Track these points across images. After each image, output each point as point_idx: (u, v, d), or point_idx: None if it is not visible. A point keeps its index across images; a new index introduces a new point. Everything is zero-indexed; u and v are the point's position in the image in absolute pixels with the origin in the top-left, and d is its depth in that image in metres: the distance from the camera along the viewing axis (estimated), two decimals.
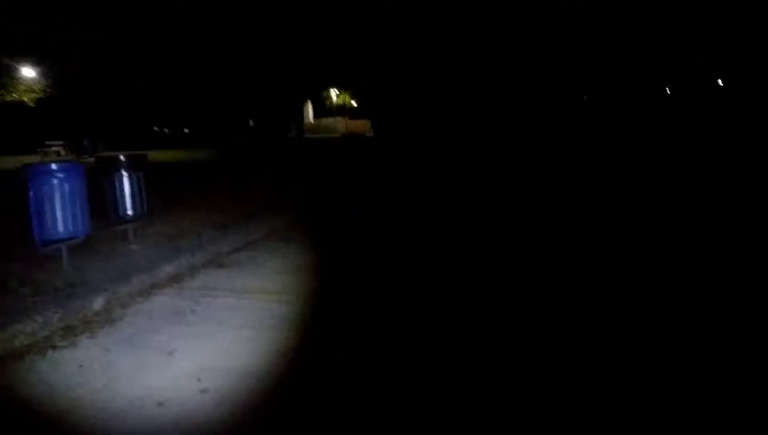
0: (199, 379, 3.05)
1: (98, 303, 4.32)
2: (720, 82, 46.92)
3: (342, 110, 66.58)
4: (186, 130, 56.34)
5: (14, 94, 27.31)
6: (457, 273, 5.15)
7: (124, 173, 5.89)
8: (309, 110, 65.17)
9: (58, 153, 26.73)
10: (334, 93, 65.01)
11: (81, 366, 3.29)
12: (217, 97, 42.48)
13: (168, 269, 5.20)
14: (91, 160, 23.84)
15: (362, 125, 60.19)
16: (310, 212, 8.90)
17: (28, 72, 27.00)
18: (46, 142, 27.16)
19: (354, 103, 66.08)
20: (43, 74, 27.41)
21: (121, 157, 5.96)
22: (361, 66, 47.25)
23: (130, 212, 5.93)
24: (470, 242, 6.46)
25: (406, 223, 7.85)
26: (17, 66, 26.07)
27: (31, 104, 28.39)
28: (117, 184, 5.85)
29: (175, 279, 5.09)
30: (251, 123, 48.61)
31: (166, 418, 2.69)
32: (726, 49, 41.27)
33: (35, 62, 26.57)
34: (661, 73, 43.97)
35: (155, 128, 54.77)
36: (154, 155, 25.48)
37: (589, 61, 41.58)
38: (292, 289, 4.74)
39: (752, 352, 3.24)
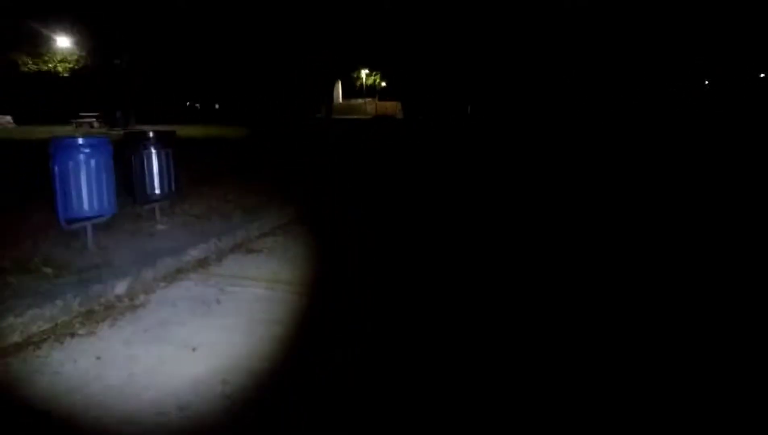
0: (223, 382, 2.80)
1: (121, 287, 4.12)
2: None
3: (372, 91, 65.99)
4: (217, 106, 56.55)
5: (49, 64, 27.52)
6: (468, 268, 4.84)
7: (153, 150, 5.68)
8: (339, 90, 64.72)
9: (91, 124, 27.01)
10: (364, 73, 64.40)
11: (99, 358, 3.08)
12: (248, 74, 42.43)
13: (194, 253, 4.98)
14: (123, 133, 23.97)
15: (392, 106, 59.57)
16: (339, 198, 8.62)
17: (63, 41, 27.13)
18: (80, 114, 27.46)
19: (384, 85, 65.44)
20: (78, 44, 27.51)
21: (150, 133, 5.75)
22: (392, 46, 46.74)
23: (158, 191, 5.72)
24: (483, 238, 6.12)
25: (432, 216, 7.53)
26: (53, 35, 26.22)
27: (65, 74, 28.61)
28: (145, 161, 5.65)
29: (202, 263, 4.87)
30: (282, 102, 48.50)
31: (186, 426, 2.46)
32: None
33: (70, 32, 26.66)
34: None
35: (187, 103, 55.05)
36: (184, 131, 25.55)
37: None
38: (324, 281, 4.48)
39: (751, 350, 3.24)
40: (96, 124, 27.00)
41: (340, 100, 65.26)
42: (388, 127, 31.15)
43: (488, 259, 5.17)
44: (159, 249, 4.93)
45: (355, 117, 53.62)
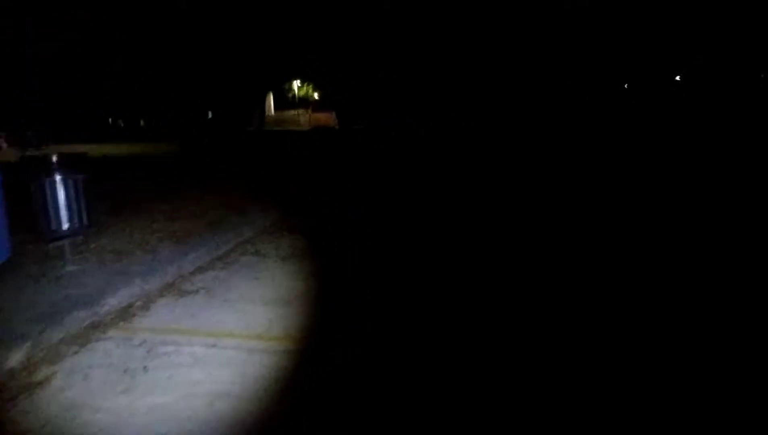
0: None
1: (15, 358, 3.20)
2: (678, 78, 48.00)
3: (304, 102, 64.85)
4: (142, 123, 53.70)
5: None
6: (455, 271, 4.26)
7: (58, 177, 4.71)
8: (270, 102, 63.26)
9: None
10: (296, 84, 63.29)
11: None
12: (174, 88, 40.53)
13: (114, 301, 4.08)
14: (21, 157, 22.19)
15: (326, 118, 58.71)
16: (283, 217, 7.83)
17: None
18: None
19: (316, 96, 64.53)
20: None
21: (54, 158, 4.78)
22: (327, 56, 46.06)
23: (66, 225, 4.75)
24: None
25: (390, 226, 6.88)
26: None
27: None
28: (48, 191, 4.67)
29: (124, 314, 3.98)
30: (210, 115, 46.68)
31: None
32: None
33: None
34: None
35: (110, 120, 51.91)
36: (105, 150, 23.76)
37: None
38: (278, 327, 3.71)
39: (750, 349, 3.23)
40: (5, 145, 24.70)
41: (272, 111, 63.79)
42: (327, 138, 30.35)
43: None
44: (68, 298, 4.01)
45: (289, 128, 52.47)
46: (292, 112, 64.65)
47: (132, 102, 43.90)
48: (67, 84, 34.09)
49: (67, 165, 4.85)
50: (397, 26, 41.32)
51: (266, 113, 56.77)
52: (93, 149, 24.72)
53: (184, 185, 10.15)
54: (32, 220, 4.96)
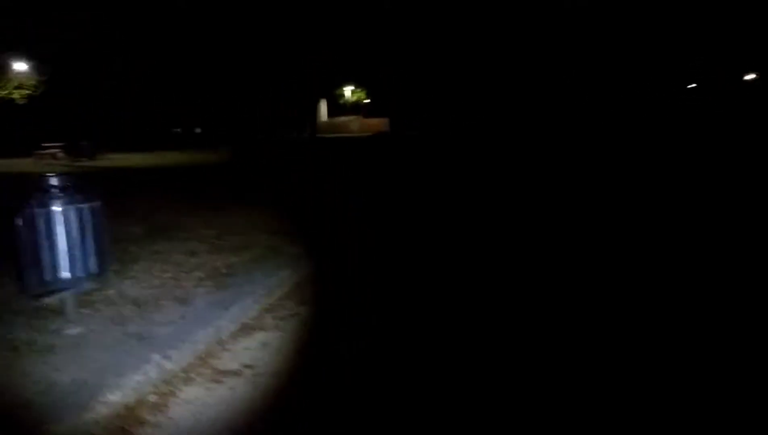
0: None
1: None
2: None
3: (356, 108, 64.05)
4: (197, 130, 54.20)
5: (3, 91, 25.03)
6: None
7: (56, 208, 3.46)
8: (323, 109, 62.74)
9: (54, 155, 24.60)
10: (348, 90, 62.54)
11: None
12: (229, 96, 40.40)
13: (116, 396, 2.75)
14: (90, 164, 21.90)
15: (378, 123, 57.64)
16: (351, 245, 6.44)
17: (19, 66, 24.70)
18: (43, 144, 25.02)
19: (368, 101, 63.49)
20: (37, 69, 25.09)
21: (52, 180, 3.53)
22: (377, 62, 45.09)
23: (66, 274, 3.48)
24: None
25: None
26: (7, 60, 23.81)
27: (22, 101, 26.12)
28: (41, 225, 3.42)
29: (136, 410, 2.66)
30: (263, 123, 46.39)
31: None
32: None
33: (28, 56, 24.26)
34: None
35: (167, 129, 52.54)
36: (157, 159, 23.28)
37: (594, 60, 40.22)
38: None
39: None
40: (60, 155, 24.63)
41: (325, 118, 63.30)
42: (383, 145, 29.14)
43: None
44: (54, 387, 2.71)
45: (342, 135, 51.79)
46: (344, 118, 64.00)
47: (189, 110, 44.13)
48: (126, 92, 34.29)
49: (74, 187, 3.60)
50: (455, 29, 39.95)
51: (319, 120, 56.28)
52: (145, 158, 24.38)
53: (231, 200, 8.94)
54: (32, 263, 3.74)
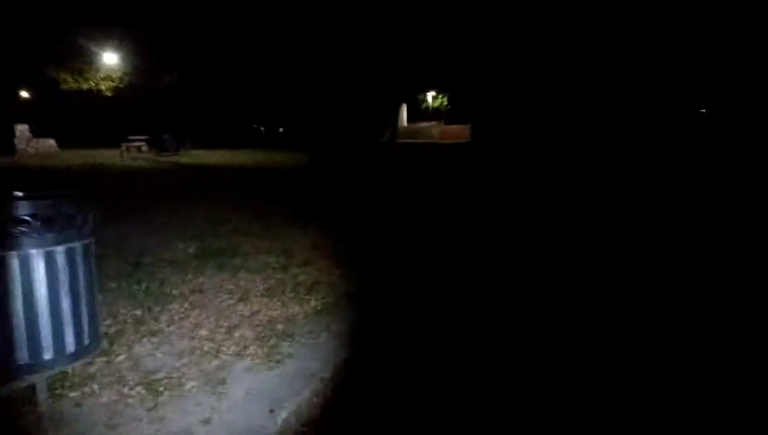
0: None
1: None
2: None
3: (437, 114, 62.58)
4: (281, 130, 54.62)
5: (91, 82, 25.52)
6: None
7: (32, 251, 2.31)
8: (404, 114, 61.74)
9: (139, 148, 24.86)
10: (430, 96, 61.23)
11: None
12: (313, 97, 40.11)
13: None
14: (171, 159, 21.89)
15: (459, 130, 55.81)
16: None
17: (109, 58, 25.03)
18: (129, 137, 25.36)
19: (449, 107, 61.81)
20: (124, 60, 25.34)
21: (20, 207, 2.37)
22: (463, 67, 43.45)
23: (47, 355, 2.33)
24: None
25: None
26: (97, 50, 24.19)
27: (109, 93, 26.56)
28: (13, 279, 2.28)
29: None
30: (344, 125, 45.88)
31: None
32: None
33: (116, 47, 24.51)
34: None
35: (252, 126, 53.23)
36: (235, 157, 22.90)
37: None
38: None
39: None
40: (145, 149, 24.88)
41: (405, 123, 62.27)
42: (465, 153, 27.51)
43: None
44: None
45: (421, 140, 50.48)
46: (425, 124, 62.69)
47: (274, 109, 44.33)
48: (214, 88, 34.63)
49: (52, 218, 2.43)
50: (540, 36, 37.72)
51: (399, 125, 55.23)
52: (225, 156, 24.12)
53: (304, 214, 7.77)
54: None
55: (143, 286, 4.26)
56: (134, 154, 24.13)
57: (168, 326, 3.50)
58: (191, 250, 5.50)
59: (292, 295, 4.21)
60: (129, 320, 3.58)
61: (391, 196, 10.46)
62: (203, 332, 3.43)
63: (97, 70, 25.28)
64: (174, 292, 4.16)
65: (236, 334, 3.42)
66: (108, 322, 3.51)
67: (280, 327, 3.59)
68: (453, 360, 3.36)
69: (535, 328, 3.81)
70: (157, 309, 3.76)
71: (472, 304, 4.32)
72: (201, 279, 4.51)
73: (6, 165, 17.66)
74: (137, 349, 3.17)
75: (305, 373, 2.98)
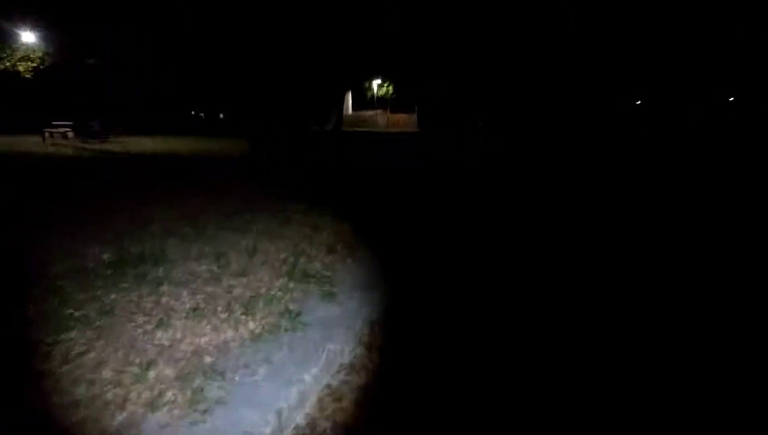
0: None
1: None
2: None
3: (383, 102, 61.99)
4: (221, 116, 52.52)
5: (6, 63, 23.27)
6: None
7: None
8: (349, 102, 60.72)
9: (64, 135, 22.98)
10: (376, 84, 60.47)
11: None
12: (255, 82, 38.58)
13: None
14: (98, 147, 20.20)
15: (405, 119, 55.48)
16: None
17: (27, 36, 22.83)
18: (53, 123, 23.39)
19: (394, 96, 61.28)
20: (45, 40, 23.18)
21: None
22: (407, 54, 42.99)
23: None
24: None
25: None
26: (13, 29, 22.01)
27: (27, 75, 24.35)
28: None
29: None
30: (287, 113, 44.64)
31: None
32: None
33: (35, 25, 22.35)
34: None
35: (191, 112, 50.85)
36: (171, 145, 21.52)
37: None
38: None
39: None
40: (70, 135, 23.02)
41: (350, 111, 61.26)
42: (409, 141, 27.09)
43: None
44: None
45: (367, 129, 49.84)
46: (370, 112, 61.92)
47: (213, 94, 42.47)
48: (148, 72, 32.61)
49: None
50: (484, 19, 37.78)
51: (344, 113, 54.23)
52: (159, 144, 22.60)
53: (237, 214, 6.99)
54: None
55: (36, 307, 3.46)
56: (58, 140, 22.27)
57: (61, 366, 2.75)
58: (106, 256, 4.68)
59: (224, 314, 3.52)
60: (7, 359, 2.81)
61: (338, 191, 9.80)
62: (107, 373, 2.71)
63: (14, 50, 23.01)
64: (76, 314, 3.39)
65: (151, 374, 2.72)
66: None
67: (208, 360, 2.91)
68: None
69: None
70: (50, 340, 3.00)
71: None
72: (113, 295, 3.74)
73: None
74: (11, 400, 2.42)
75: (239, 427, 2.34)
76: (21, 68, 23.62)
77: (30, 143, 20.55)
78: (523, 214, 7.95)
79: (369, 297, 4.08)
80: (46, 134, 22.81)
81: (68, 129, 23.26)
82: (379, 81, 59.84)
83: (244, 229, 5.94)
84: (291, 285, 4.18)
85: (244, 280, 4.25)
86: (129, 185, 9.58)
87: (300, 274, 4.46)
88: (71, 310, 3.42)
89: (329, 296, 4.00)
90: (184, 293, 3.87)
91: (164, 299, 3.73)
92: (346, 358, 3.21)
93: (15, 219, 6.30)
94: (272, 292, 4.00)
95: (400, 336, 3.58)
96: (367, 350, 3.33)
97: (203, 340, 3.15)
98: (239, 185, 9.82)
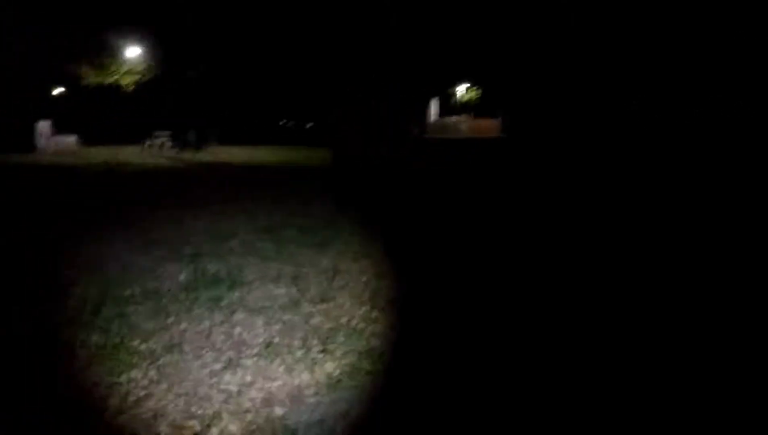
0: None
1: None
2: None
3: (466, 108, 60.94)
4: (309, 125, 53.69)
5: (114, 76, 24.82)
6: None
7: None
8: (433, 108, 60.25)
9: (161, 145, 24.21)
10: (463, 88, 59.59)
11: None
12: (340, 92, 38.99)
13: None
14: (192, 157, 20.95)
15: (489, 125, 54.04)
16: None
17: (131, 51, 24.26)
18: (153, 133, 24.72)
19: (479, 101, 60.01)
20: (147, 54, 24.49)
21: None
22: (497, 58, 41.82)
23: None
24: None
25: None
26: (120, 44, 23.39)
27: (131, 88, 25.86)
28: None
29: None
30: (373, 121, 44.69)
31: None
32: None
33: (139, 40, 23.67)
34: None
35: (280, 122, 52.38)
36: (260, 155, 21.97)
37: None
38: None
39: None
40: (168, 145, 24.20)
41: (434, 118, 60.71)
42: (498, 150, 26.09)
43: None
44: None
45: (450, 136, 49.03)
46: (454, 118, 61.07)
47: (302, 104, 43.40)
48: (240, 82, 33.81)
49: None
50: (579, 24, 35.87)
51: (427, 120, 53.72)
52: (249, 153, 23.18)
53: (319, 227, 6.64)
54: None
55: (101, 337, 3.21)
56: (156, 150, 23.47)
57: (116, 416, 2.42)
58: (182, 276, 4.44)
59: (300, 352, 3.10)
60: (59, 403, 2.51)
61: (422, 202, 9.30)
62: (164, 429, 2.34)
63: (120, 64, 24.58)
64: (142, 347, 3.09)
65: (213, 432, 2.32)
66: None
67: (278, 413, 2.48)
68: None
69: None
70: (109, 381, 2.69)
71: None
72: (184, 325, 3.43)
73: (15, 163, 17.07)
74: None
75: None
76: (126, 81, 25.16)
77: (129, 153, 21.76)
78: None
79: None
80: (145, 144, 24.12)
81: (166, 139, 24.48)
82: (465, 87, 58.99)
83: (324, 245, 5.57)
84: (374, 315, 3.71)
85: (324, 306, 3.83)
86: (215, 196, 9.59)
87: (383, 300, 3.98)
88: (137, 342, 3.13)
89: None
90: (259, 323, 3.50)
91: (237, 330, 3.38)
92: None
93: (95, 229, 6.30)
94: (353, 323, 3.54)
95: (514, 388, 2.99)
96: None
97: (275, 385, 2.73)
98: (321, 197, 9.56)
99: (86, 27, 21.79)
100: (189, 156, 21.55)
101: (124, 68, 24.79)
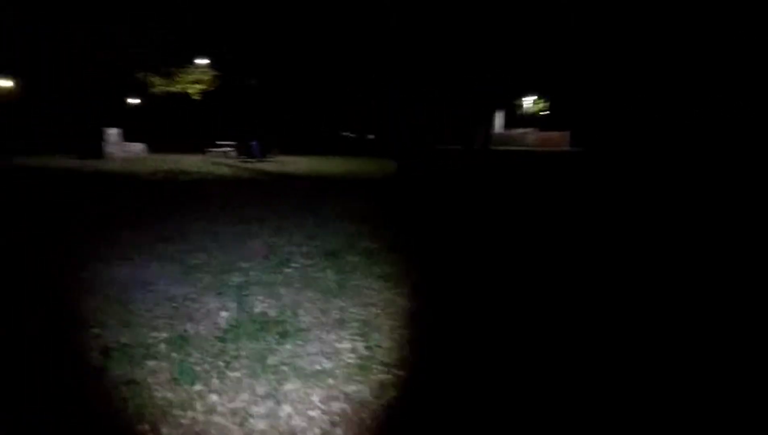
0: None
1: None
2: None
3: (532, 121, 58.83)
4: (370, 136, 53.37)
5: (179, 85, 25.04)
6: None
7: None
8: (498, 120, 58.52)
9: (226, 154, 24.12)
10: (530, 100, 57.56)
11: None
12: (405, 103, 38.39)
13: None
14: (255, 166, 20.73)
15: (557, 137, 51.67)
16: None
17: (200, 60, 24.37)
18: (217, 142, 24.70)
19: (546, 112, 57.87)
20: (214, 63, 24.56)
21: None
22: (564, 70, 40.01)
23: None
24: None
25: None
26: (190, 53, 23.55)
27: (197, 97, 26.01)
28: None
29: None
30: (436, 132, 43.87)
31: None
32: None
33: (208, 48, 23.74)
34: None
35: (342, 133, 52.36)
36: (323, 165, 21.44)
37: None
38: None
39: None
40: (231, 154, 24.11)
41: (499, 130, 58.89)
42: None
43: None
44: None
45: (516, 148, 47.40)
46: (520, 130, 59.01)
47: (364, 115, 43.19)
48: (304, 93, 33.68)
49: None
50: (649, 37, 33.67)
51: (492, 131, 52.12)
52: (312, 163, 22.70)
53: (387, 251, 5.70)
54: None
55: (104, 410, 2.35)
56: (219, 159, 23.39)
57: None
58: (224, 315, 3.59)
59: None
60: None
61: (503, 222, 8.20)
62: None
63: (186, 74, 24.82)
64: None
65: None
66: None
67: None
68: None
69: None
70: None
71: None
72: (213, 398, 2.54)
73: (76, 168, 17.18)
74: None
75: None
76: (192, 90, 25.36)
77: (192, 161, 21.69)
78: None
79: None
80: (208, 153, 24.11)
81: (229, 148, 24.41)
82: (532, 98, 56.99)
83: (396, 278, 4.61)
84: (473, 382, 2.70)
85: (399, 372, 2.86)
86: (273, 210, 8.84)
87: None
88: (145, 429, 2.26)
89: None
90: (315, 399, 2.56)
91: (284, 411, 2.45)
92: None
93: (134, 247, 5.59)
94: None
95: None
96: None
97: None
98: (388, 212, 8.64)
99: (157, 35, 22.12)
100: (251, 165, 21.25)
101: (191, 78, 25.05)
